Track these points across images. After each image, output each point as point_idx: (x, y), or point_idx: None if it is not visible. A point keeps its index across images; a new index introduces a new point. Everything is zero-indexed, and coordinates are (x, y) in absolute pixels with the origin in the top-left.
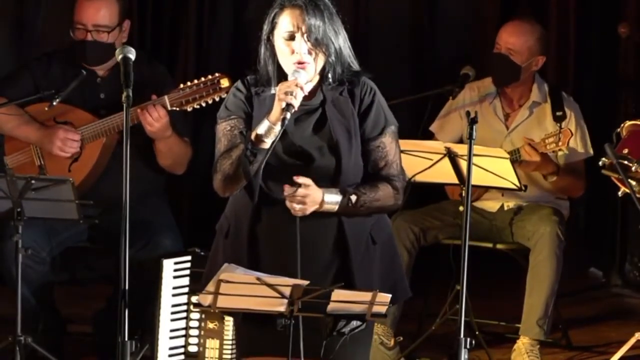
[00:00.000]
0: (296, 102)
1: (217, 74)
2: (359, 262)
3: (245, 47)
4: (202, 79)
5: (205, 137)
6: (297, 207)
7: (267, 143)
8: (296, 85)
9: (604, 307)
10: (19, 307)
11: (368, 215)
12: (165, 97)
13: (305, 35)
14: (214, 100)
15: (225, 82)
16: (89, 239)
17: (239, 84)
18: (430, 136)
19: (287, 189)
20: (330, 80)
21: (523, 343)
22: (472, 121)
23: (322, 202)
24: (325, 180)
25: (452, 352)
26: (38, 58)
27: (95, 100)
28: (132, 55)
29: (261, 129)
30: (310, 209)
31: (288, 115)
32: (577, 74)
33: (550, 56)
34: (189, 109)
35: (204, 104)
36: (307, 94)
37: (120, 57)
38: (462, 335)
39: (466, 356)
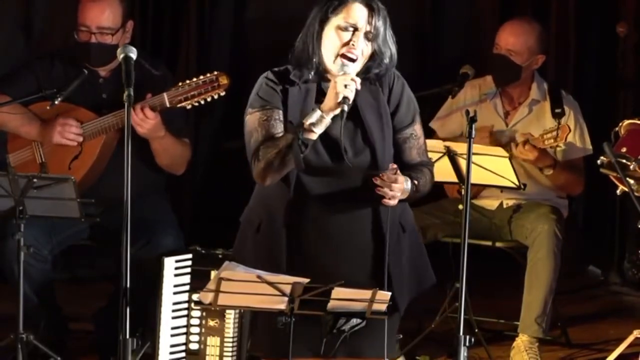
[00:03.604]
0: (352, 95)
1: (215, 72)
2: (392, 251)
3: (245, 47)
4: (201, 77)
5: (204, 137)
6: (396, 194)
7: (316, 133)
8: (352, 80)
9: (603, 305)
10: (20, 304)
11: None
12: (164, 94)
13: (369, 35)
14: (212, 98)
15: (224, 80)
16: (90, 238)
17: (269, 74)
18: (431, 134)
19: (388, 177)
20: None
21: (522, 341)
22: (472, 120)
23: (404, 190)
24: (361, 171)
25: (452, 349)
26: (41, 57)
27: (98, 99)
28: (133, 54)
29: (313, 118)
30: (400, 197)
31: (346, 108)
32: (576, 73)
33: (550, 56)
34: (188, 106)
35: (202, 102)
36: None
37: (122, 56)
38: (461, 333)
39: (465, 354)
